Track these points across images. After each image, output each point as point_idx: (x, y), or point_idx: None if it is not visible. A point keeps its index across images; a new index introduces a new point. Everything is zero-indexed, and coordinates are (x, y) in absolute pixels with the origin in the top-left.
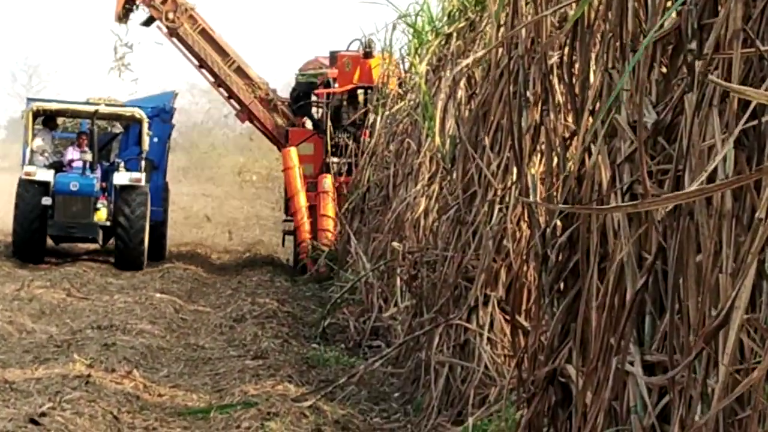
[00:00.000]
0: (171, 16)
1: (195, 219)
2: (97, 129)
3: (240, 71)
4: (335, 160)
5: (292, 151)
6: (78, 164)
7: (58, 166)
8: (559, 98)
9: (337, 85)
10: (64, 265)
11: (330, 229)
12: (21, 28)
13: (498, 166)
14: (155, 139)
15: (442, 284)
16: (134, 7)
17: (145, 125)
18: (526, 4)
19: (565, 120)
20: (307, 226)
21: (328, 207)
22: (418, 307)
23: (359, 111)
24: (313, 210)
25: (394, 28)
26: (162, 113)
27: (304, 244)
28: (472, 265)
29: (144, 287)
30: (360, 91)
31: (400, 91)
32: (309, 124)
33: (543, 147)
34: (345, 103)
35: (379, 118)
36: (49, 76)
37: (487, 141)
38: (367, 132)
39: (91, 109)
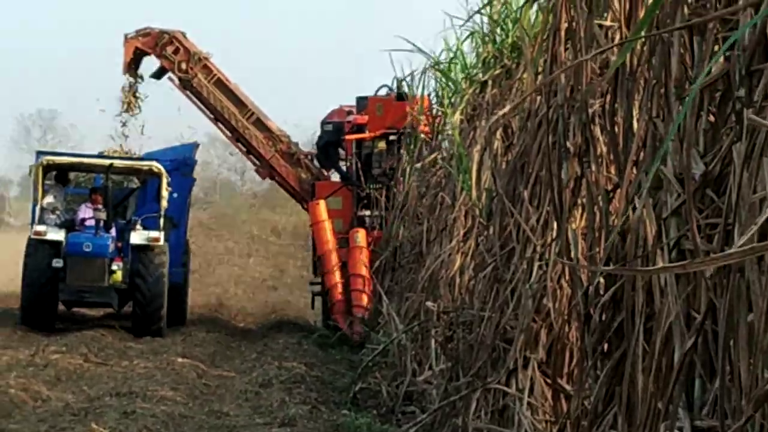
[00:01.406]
0: (184, 66)
1: (218, 279)
2: (112, 184)
3: (259, 123)
4: (367, 213)
5: (321, 205)
6: (91, 223)
7: (70, 225)
8: (601, 149)
9: (367, 131)
10: (80, 328)
11: (364, 289)
12: (35, 80)
13: (537, 221)
14: (175, 195)
15: (479, 346)
16: (144, 58)
17: (164, 180)
18: (566, 50)
19: (608, 172)
20: (339, 286)
21: (362, 265)
22: (454, 371)
23: (392, 159)
24: (345, 268)
25: (424, 73)
26: (182, 166)
27: (336, 304)
28: (510, 326)
29: (165, 351)
30: (394, 137)
31: (432, 141)
32: (336, 177)
33: (584, 200)
34: (377, 150)
35: (408, 169)
36: (64, 130)
37: (525, 194)
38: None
39: (105, 162)
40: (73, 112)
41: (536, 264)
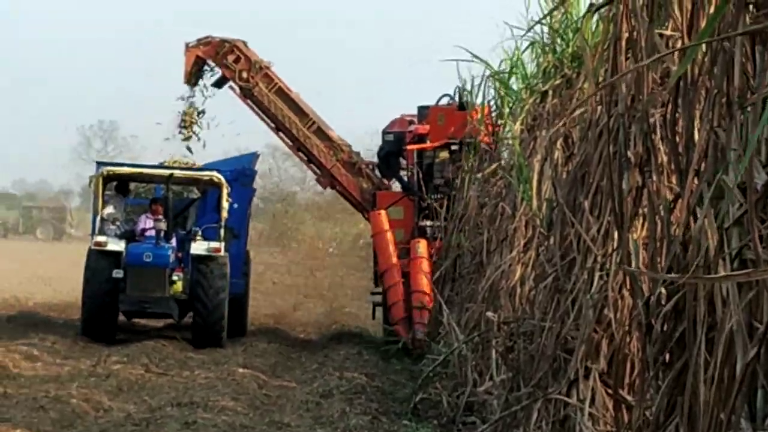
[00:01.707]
0: (245, 75)
1: (278, 289)
2: (172, 195)
3: (320, 133)
4: (428, 223)
5: (382, 215)
6: (152, 233)
7: (130, 236)
8: (662, 158)
9: (429, 141)
10: (141, 339)
11: (424, 299)
12: (96, 89)
13: (598, 231)
14: (235, 205)
15: (540, 356)
16: (205, 67)
17: (225, 190)
18: (627, 59)
19: (669, 181)
20: (400, 296)
21: (423, 275)
22: (515, 381)
23: (454, 168)
24: (406, 278)
25: (483, 82)
26: (242, 177)
27: (397, 314)
28: (571, 336)
29: (226, 362)
30: (455, 147)
31: (491, 151)
32: (398, 187)
33: (645, 210)
34: (438, 159)
35: (468, 179)
36: (125, 140)
37: (586, 204)
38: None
39: (165, 173)
40: (134, 123)
41: (597, 274)
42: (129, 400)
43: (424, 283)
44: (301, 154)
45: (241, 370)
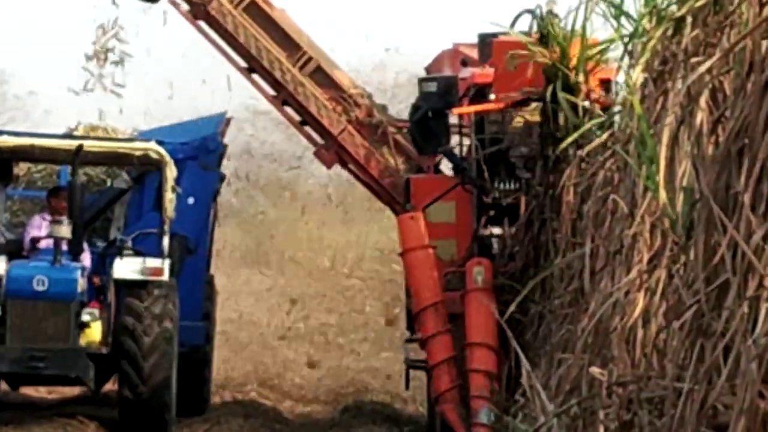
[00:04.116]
0: None
1: (259, 335)
2: (84, 182)
3: (321, 75)
4: (496, 231)
5: (418, 219)
6: (48, 244)
7: (14, 249)
8: None
9: (493, 95)
10: (43, 415)
11: (489, 361)
12: None
13: (764, 238)
14: (190, 200)
15: None
16: None
17: (170, 173)
18: None
19: None
20: (447, 358)
21: (485, 320)
22: None
23: (539, 140)
24: (459, 322)
25: (585, 7)
26: (203, 154)
27: (443, 387)
28: (723, 404)
29: None
30: (535, 105)
31: (600, 112)
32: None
33: None
34: (511, 126)
35: (554, 158)
36: (18, 100)
37: (746, 197)
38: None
39: (71, 145)
40: (34, 76)
41: (764, 306)
42: None
43: (486, 340)
44: (288, 110)
45: None
